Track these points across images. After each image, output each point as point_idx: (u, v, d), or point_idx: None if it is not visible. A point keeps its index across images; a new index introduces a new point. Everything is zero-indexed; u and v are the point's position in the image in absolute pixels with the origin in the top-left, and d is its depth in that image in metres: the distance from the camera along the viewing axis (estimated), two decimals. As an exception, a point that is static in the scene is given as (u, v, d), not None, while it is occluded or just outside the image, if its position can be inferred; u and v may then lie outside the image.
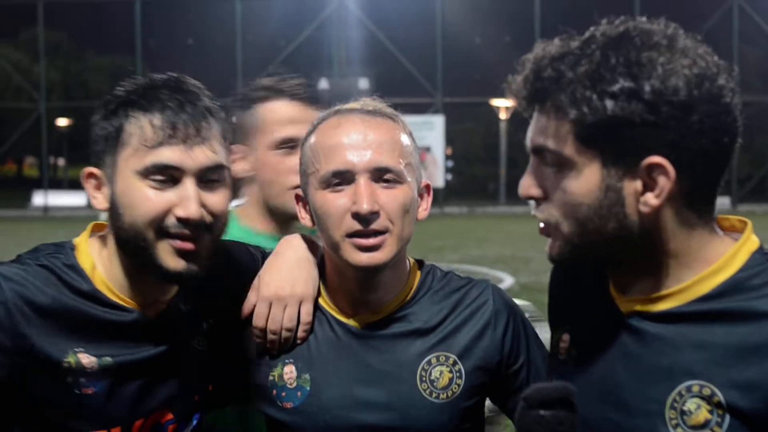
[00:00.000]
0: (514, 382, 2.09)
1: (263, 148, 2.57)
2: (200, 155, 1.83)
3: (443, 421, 2.00)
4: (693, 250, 1.61)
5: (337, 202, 1.92)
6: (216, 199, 1.87)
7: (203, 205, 1.84)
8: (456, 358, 2.03)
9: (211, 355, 2.09)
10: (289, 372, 2.06)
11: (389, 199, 1.92)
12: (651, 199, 1.53)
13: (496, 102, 40.40)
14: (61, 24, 40.28)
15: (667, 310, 1.61)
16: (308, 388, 2.02)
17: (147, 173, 1.81)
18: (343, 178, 1.92)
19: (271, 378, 2.06)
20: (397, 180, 1.94)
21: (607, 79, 1.49)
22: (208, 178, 1.86)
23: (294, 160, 2.41)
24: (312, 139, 2.02)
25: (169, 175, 1.82)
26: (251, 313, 2.07)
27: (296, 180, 2.30)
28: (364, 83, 34.25)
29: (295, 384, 2.03)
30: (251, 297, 2.06)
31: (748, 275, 1.57)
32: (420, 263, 2.14)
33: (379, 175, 1.92)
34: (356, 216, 1.89)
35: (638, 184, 1.53)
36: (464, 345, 2.04)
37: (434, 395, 2.00)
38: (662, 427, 1.57)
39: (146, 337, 1.94)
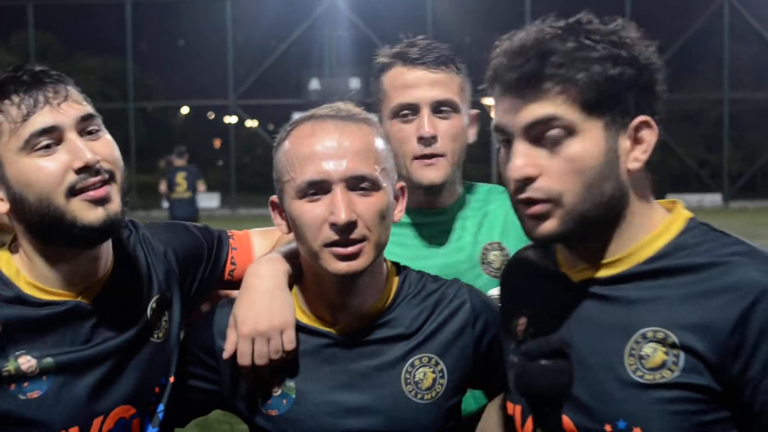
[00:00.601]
0: (498, 369, 2.10)
1: (386, 118, 2.53)
2: (69, 110, 1.87)
3: (429, 421, 2.02)
4: (641, 213, 1.78)
5: (314, 213, 1.91)
6: (102, 144, 1.92)
7: (95, 153, 1.87)
8: (438, 359, 2.05)
9: (166, 345, 2.09)
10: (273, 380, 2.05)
11: (366, 207, 1.92)
12: (640, 155, 1.72)
13: (487, 101, 40.34)
14: (51, 26, 40.22)
15: (616, 274, 1.76)
16: (293, 396, 2.02)
17: (29, 146, 1.84)
18: (318, 187, 1.91)
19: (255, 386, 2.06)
20: (374, 187, 1.93)
21: (603, 50, 1.66)
22: (86, 129, 1.89)
23: (412, 128, 2.47)
24: (286, 145, 2.00)
25: (50, 139, 1.84)
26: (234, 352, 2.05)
27: (416, 149, 2.43)
28: (355, 83, 34.21)
29: (279, 392, 2.03)
30: (231, 336, 2.04)
31: (687, 237, 1.75)
32: (397, 266, 2.15)
33: (356, 183, 1.92)
34: (334, 226, 1.89)
35: (627, 143, 1.70)
36: (445, 345, 2.07)
37: (419, 396, 2.01)
38: (623, 373, 1.70)
39: (90, 330, 1.94)
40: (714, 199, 34.81)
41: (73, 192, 1.85)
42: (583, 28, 1.70)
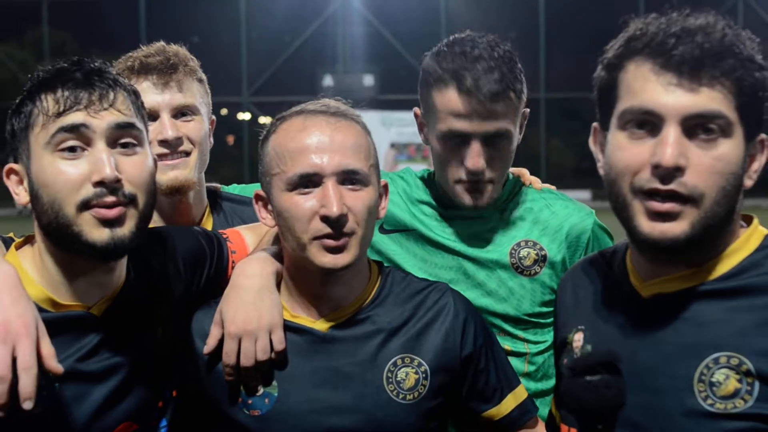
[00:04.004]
0: (479, 381, 2.14)
1: (432, 134, 2.49)
2: (107, 116, 1.77)
3: (411, 421, 2.02)
4: (734, 228, 1.69)
5: (305, 205, 1.93)
6: (132, 163, 1.81)
7: (121, 172, 1.77)
8: (421, 360, 2.05)
9: (173, 358, 2.05)
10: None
11: (356, 201, 1.94)
12: (753, 173, 1.65)
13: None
14: (66, 23, 40.23)
15: (689, 288, 1.66)
16: (276, 394, 2.01)
17: (53, 141, 1.75)
18: (310, 180, 1.93)
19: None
20: (363, 182, 1.96)
21: (759, 56, 1.60)
22: (122, 141, 1.80)
23: (460, 155, 2.43)
24: (275, 139, 2.01)
25: (78, 140, 1.75)
26: (215, 349, 2.04)
27: (462, 176, 2.40)
28: (368, 80, 34.11)
29: (262, 391, 2.02)
30: (214, 332, 2.03)
31: (764, 254, 1.65)
32: (379, 265, 2.16)
33: (347, 177, 1.94)
34: (325, 219, 1.91)
35: (748, 158, 1.63)
36: (428, 347, 2.06)
37: (401, 396, 2.01)
38: (691, 400, 1.60)
39: (98, 343, 1.86)
40: (728, 197, 34.56)
41: (86, 205, 1.77)
42: (740, 30, 1.63)
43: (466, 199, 2.50)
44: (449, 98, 2.44)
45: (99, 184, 1.77)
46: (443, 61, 2.49)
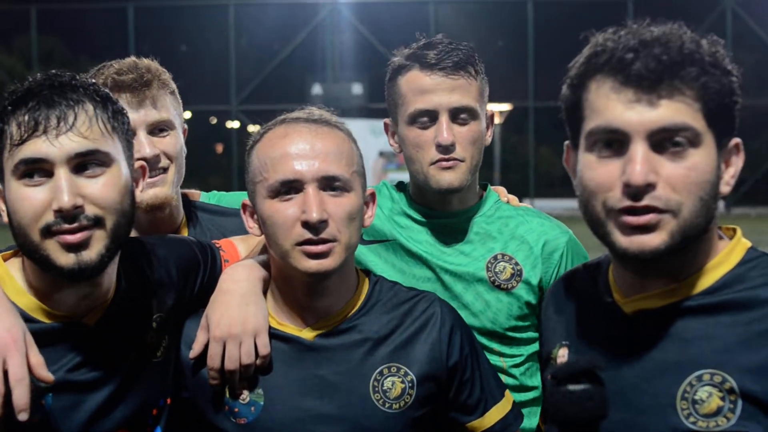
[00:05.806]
0: (463, 392, 2.14)
1: (402, 123, 2.52)
2: (67, 143, 1.75)
3: (397, 430, 2.03)
4: (711, 237, 1.67)
5: (286, 212, 1.94)
6: (96, 186, 1.79)
7: (84, 196, 1.76)
8: (407, 369, 2.05)
9: (165, 365, 2.05)
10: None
11: (337, 207, 1.95)
12: (730, 179, 1.63)
13: (489, 106, 40.13)
14: (55, 30, 40.19)
15: (672, 304, 1.64)
16: (262, 403, 2.01)
17: (19, 172, 1.76)
18: (291, 187, 1.94)
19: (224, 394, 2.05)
20: (345, 188, 1.97)
21: (724, 60, 1.57)
22: (85, 165, 1.79)
23: (430, 134, 2.46)
24: (259, 147, 2.03)
25: (40, 170, 1.75)
26: (202, 354, 2.05)
27: (435, 155, 2.41)
28: (357, 88, 34.14)
29: (248, 399, 2.02)
30: (200, 337, 2.04)
31: (747, 268, 1.63)
32: (367, 273, 2.16)
33: (327, 183, 1.95)
34: (306, 225, 1.91)
35: (723, 164, 1.61)
36: (415, 356, 2.07)
37: (387, 405, 2.02)
38: (674, 418, 1.59)
39: (91, 352, 1.86)
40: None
41: (49, 231, 1.77)
42: (709, 37, 1.60)
43: (441, 179, 2.51)
44: (414, 77, 2.53)
45: (58, 212, 1.78)
46: (406, 52, 2.61)
